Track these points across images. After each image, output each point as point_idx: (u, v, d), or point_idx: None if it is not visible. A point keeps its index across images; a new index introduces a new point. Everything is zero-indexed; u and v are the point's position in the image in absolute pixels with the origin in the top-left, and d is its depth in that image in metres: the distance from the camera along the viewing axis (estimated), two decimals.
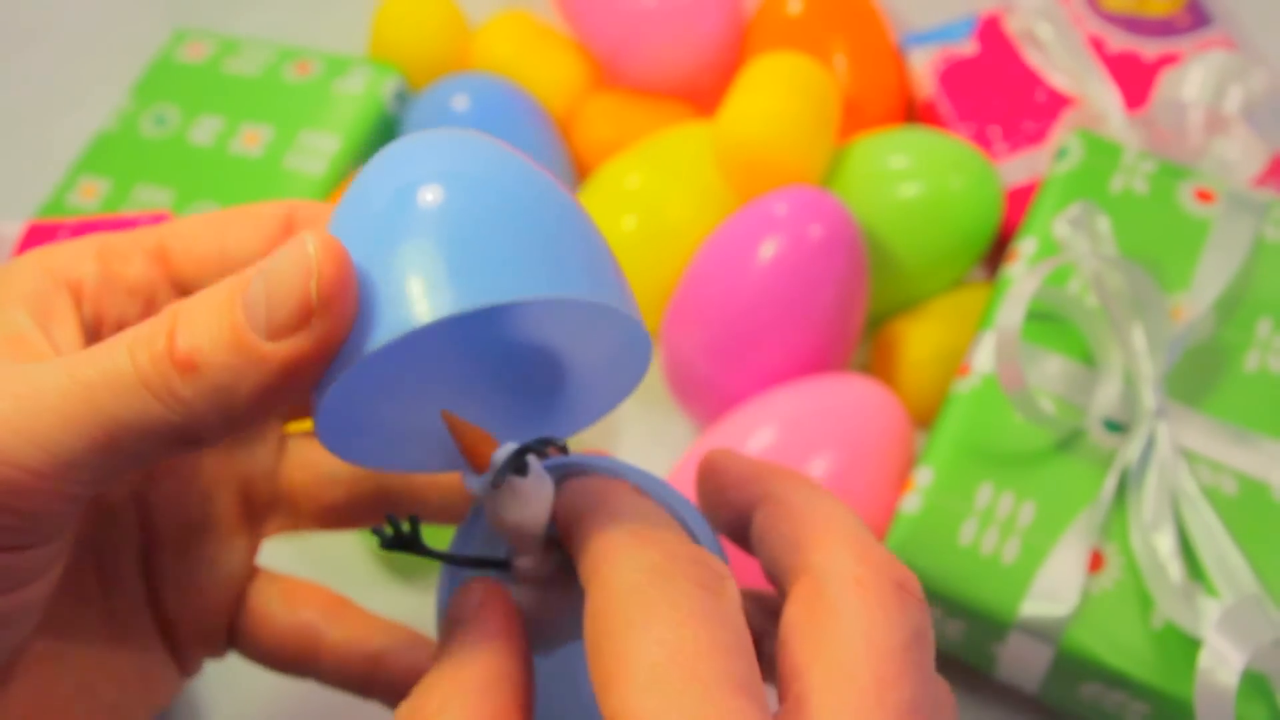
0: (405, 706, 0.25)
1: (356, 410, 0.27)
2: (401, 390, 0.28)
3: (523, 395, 0.30)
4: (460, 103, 0.60)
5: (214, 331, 0.23)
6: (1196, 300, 0.48)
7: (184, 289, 0.29)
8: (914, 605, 0.24)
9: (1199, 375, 0.47)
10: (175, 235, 0.29)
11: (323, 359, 0.23)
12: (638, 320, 0.26)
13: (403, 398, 0.28)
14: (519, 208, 0.25)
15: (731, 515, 0.29)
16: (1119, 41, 0.63)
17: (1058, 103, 0.61)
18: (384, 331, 0.23)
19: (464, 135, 0.27)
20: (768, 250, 0.50)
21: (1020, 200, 0.57)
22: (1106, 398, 0.46)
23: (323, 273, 0.23)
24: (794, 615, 0.25)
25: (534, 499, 0.27)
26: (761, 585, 0.32)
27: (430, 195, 0.24)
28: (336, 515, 0.35)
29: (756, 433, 0.49)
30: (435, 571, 0.53)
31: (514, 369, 0.30)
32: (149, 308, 0.29)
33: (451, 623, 0.26)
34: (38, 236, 0.52)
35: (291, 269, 0.23)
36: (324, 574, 0.54)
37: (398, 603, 0.52)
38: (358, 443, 0.27)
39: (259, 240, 0.29)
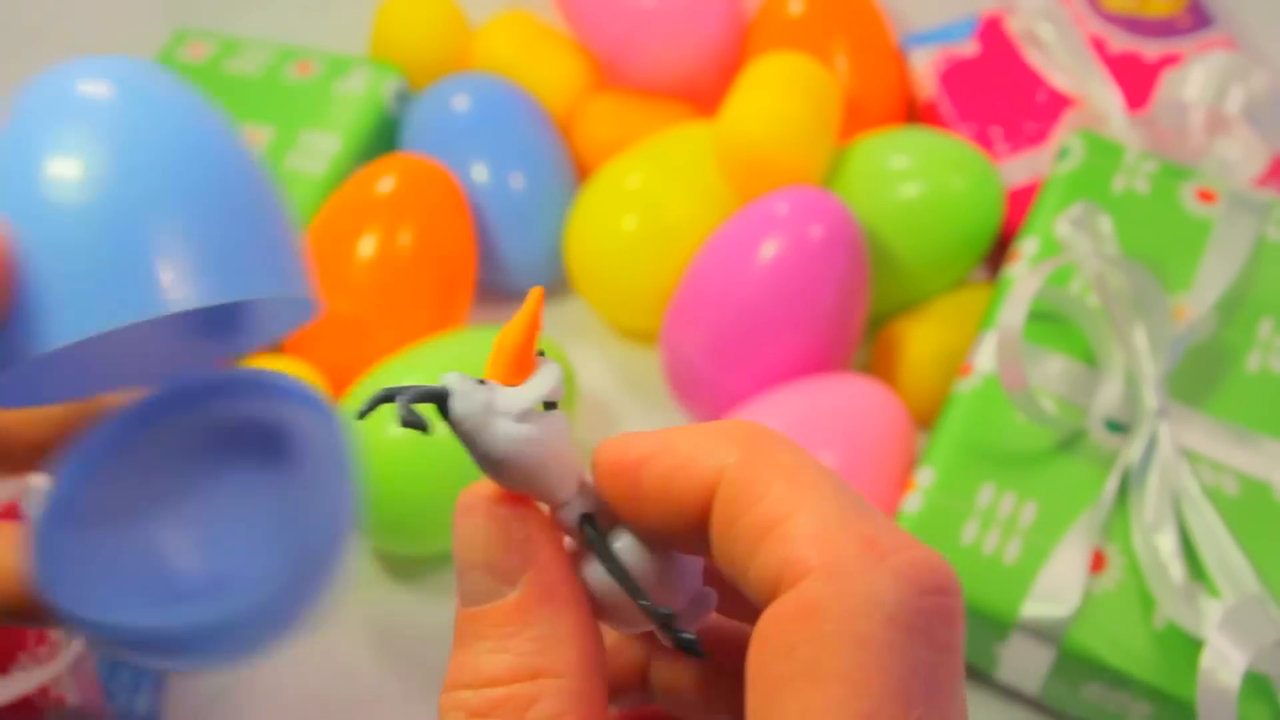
0: (465, 690, 0.21)
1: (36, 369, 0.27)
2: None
3: (200, 324, 0.30)
4: (461, 103, 0.60)
5: None
6: (1198, 300, 0.48)
7: None
8: (940, 627, 0.18)
9: (1200, 375, 0.47)
10: None
11: None
12: (294, 290, 0.25)
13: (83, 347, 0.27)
14: (181, 196, 0.24)
15: (672, 513, 0.21)
16: (1120, 42, 0.63)
17: (1059, 103, 0.61)
18: (54, 336, 0.23)
19: (117, 93, 0.25)
20: (769, 250, 0.50)
21: (1022, 200, 0.57)
22: (1108, 398, 0.46)
23: None
24: (777, 634, 0.18)
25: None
26: None
27: (75, 182, 0.23)
28: (51, 452, 0.33)
29: None
30: (434, 572, 0.53)
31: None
32: None
33: (492, 564, 0.21)
34: None
35: None
36: None
37: (397, 603, 0.52)
38: (45, 387, 0.27)
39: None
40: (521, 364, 0.21)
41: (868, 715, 0.17)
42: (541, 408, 0.21)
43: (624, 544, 0.22)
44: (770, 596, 0.19)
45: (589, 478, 0.22)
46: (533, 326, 0.21)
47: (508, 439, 0.21)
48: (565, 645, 0.20)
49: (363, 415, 0.21)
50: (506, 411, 0.21)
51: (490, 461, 0.21)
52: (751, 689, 0.18)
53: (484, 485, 0.22)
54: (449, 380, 0.21)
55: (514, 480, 0.21)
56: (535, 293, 0.21)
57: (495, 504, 0.21)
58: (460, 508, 0.22)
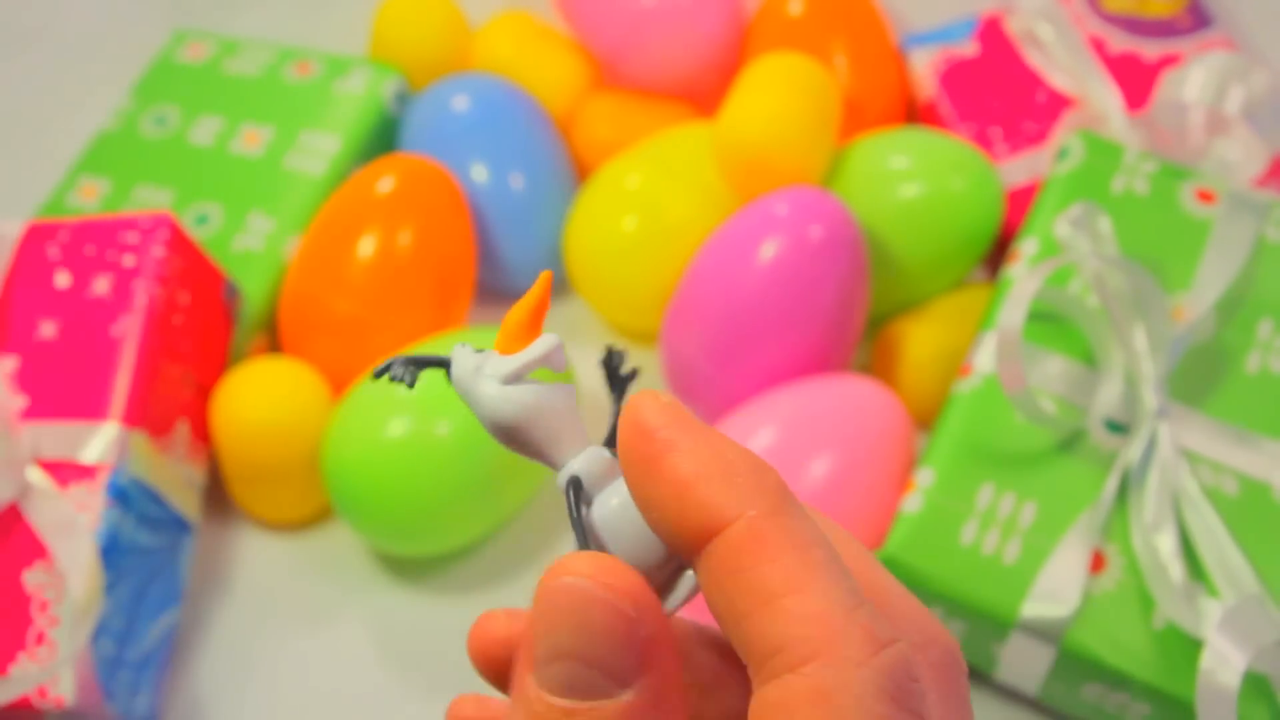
0: None
1: None
2: None
3: None
4: (460, 103, 0.60)
5: None
6: (1198, 301, 0.48)
7: None
8: (948, 696, 0.20)
9: (1200, 376, 0.47)
10: None
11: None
12: None
13: None
14: None
15: (671, 513, 0.20)
16: (1120, 42, 0.63)
17: (1059, 103, 0.61)
18: None
19: None
20: (768, 251, 0.50)
21: (1021, 201, 0.57)
22: (1108, 398, 0.46)
23: None
24: (787, 715, 0.18)
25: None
26: None
27: None
28: None
29: (757, 433, 0.49)
30: (434, 572, 0.53)
31: None
32: None
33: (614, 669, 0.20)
34: (37, 236, 0.52)
35: None
36: (321, 575, 0.54)
37: (396, 603, 0.52)
38: None
39: None
40: (521, 337, 0.22)
41: None
42: (547, 376, 0.22)
43: (616, 503, 0.22)
44: (761, 660, 0.19)
45: (595, 447, 0.23)
46: (539, 305, 0.22)
47: (490, 399, 0.22)
48: None
49: (378, 375, 0.23)
50: (493, 375, 0.22)
51: (484, 422, 0.22)
52: None
53: (591, 557, 0.20)
54: (454, 350, 0.23)
55: (509, 440, 0.22)
56: (545, 275, 0.22)
57: (619, 594, 0.20)
58: (577, 588, 0.20)
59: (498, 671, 0.24)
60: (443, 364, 0.23)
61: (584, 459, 0.22)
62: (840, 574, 0.19)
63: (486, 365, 0.22)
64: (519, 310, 0.22)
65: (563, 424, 0.22)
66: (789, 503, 0.20)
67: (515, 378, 0.22)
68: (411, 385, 0.23)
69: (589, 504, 0.22)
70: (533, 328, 0.22)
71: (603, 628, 0.19)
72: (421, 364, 0.23)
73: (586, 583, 0.20)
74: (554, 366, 0.22)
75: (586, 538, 0.22)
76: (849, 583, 0.19)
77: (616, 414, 0.23)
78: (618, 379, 0.24)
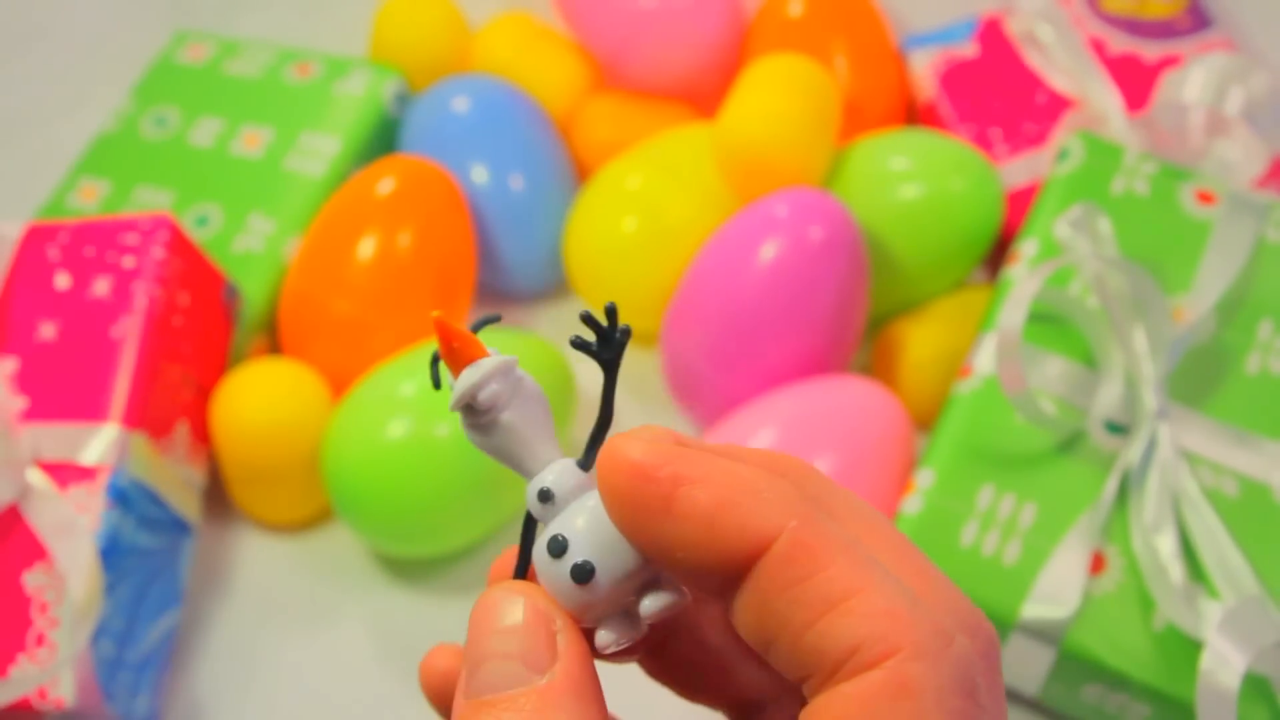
0: None
1: None
2: None
3: None
4: (460, 104, 0.60)
5: None
6: (1198, 302, 0.48)
7: None
8: (995, 686, 0.20)
9: (1200, 377, 0.47)
10: None
11: None
12: None
13: None
14: None
15: (703, 548, 0.20)
16: (1120, 43, 0.63)
17: (1059, 104, 0.61)
18: None
19: None
20: (768, 252, 0.50)
21: (1021, 202, 0.57)
22: (1108, 399, 0.46)
23: None
24: (871, 709, 0.19)
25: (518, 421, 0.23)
26: None
27: None
28: None
29: (757, 434, 0.49)
30: (434, 572, 0.53)
31: None
32: None
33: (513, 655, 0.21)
34: (37, 237, 0.52)
35: None
36: (321, 576, 0.54)
37: (395, 604, 0.52)
38: None
39: None
40: (454, 366, 0.23)
41: None
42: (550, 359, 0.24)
43: (581, 523, 0.22)
44: (834, 664, 0.19)
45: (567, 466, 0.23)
46: (443, 343, 0.22)
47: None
48: None
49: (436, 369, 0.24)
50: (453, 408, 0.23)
51: None
52: None
53: (514, 582, 0.22)
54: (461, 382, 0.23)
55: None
56: (433, 318, 0.23)
57: (525, 592, 0.22)
58: (492, 599, 0.22)
59: (446, 703, 0.26)
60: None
61: (552, 478, 0.22)
62: (884, 570, 0.20)
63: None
64: (441, 343, 0.23)
65: (523, 442, 0.23)
66: (814, 507, 0.20)
67: (466, 412, 0.23)
68: (437, 385, 0.24)
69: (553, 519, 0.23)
70: (458, 356, 0.22)
71: (511, 622, 0.21)
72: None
73: (495, 592, 0.22)
74: (480, 405, 0.22)
75: (525, 562, 0.23)
76: (894, 578, 0.20)
77: (610, 388, 0.23)
78: (609, 340, 0.23)
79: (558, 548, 0.22)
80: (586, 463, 0.23)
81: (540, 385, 0.24)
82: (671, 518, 0.20)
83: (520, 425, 0.23)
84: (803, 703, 0.22)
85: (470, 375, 0.22)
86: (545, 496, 0.22)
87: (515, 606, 0.21)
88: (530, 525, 0.23)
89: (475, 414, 0.23)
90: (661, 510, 0.20)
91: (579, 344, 0.22)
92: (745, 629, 0.20)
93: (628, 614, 0.22)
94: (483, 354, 0.23)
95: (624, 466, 0.20)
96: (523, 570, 0.23)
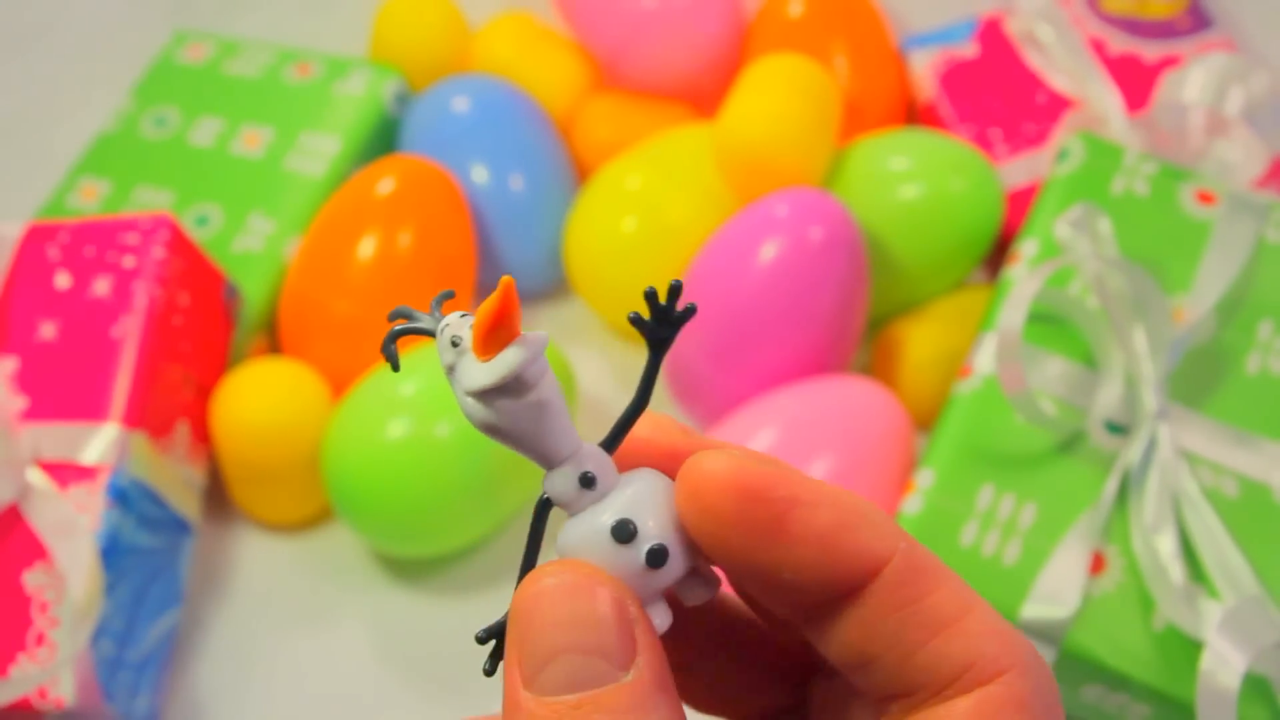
0: None
1: None
2: None
3: None
4: (460, 104, 0.60)
5: None
6: (1198, 302, 0.48)
7: None
8: None
9: (1200, 377, 0.47)
10: None
11: None
12: None
13: None
14: None
15: (820, 568, 0.20)
16: (1120, 43, 0.63)
17: (1059, 105, 0.61)
18: None
19: None
20: (768, 252, 0.50)
21: (1021, 202, 0.57)
22: (1108, 399, 0.46)
23: None
24: None
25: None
26: None
27: None
28: None
29: (758, 434, 0.49)
30: (434, 572, 0.53)
31: None
32: None
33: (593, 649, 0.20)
34: (37, 237, 0.52)
35: None
36: (321, 576, 0.54)
37: (395, 604, 0.52)
38: None
39: None
40: (489, 345, 0.20)
41: None
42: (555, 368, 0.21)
43: (649, 503, 0.21)
44: (943, 682, 0.20)
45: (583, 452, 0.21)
46: (501, 311, 0.20)
47: (462, 403, 0.21)
48: None
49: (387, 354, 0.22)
50: (466, 389, 0.20)
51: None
52: None
53: (579, 564, 0.20)
54: (446, 322, 0.21)
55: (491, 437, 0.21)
56: (505, 281, 0.20)
57: (600, 581, 0.20)
58: (561, 585, 0.20)
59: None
60: (427, 334, 0.21)
61: (593, 463, 0.21)
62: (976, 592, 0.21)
63: (459, 374, 0.21)
64: (483, 315, 0.20)
65: (542, 431, 0.21)
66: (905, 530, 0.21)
67: (487, 394, 0.20)
68: (395, 368, 0.22)
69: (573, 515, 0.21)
70: (499, 334, 0.20)
71: (594, 614, 0.20)
72: (407, 331, 0.22)
73: (567, 578, 0.20)
74: (525, 383, 0.20)
75: (534, 548, 0.22)
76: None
77: (653, 369, 0.21)
78: (667, 318, 0.21)
79: (625, 533, 0.20)
80: (611, 445, 0.22)
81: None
82: (784, 540, 0.20)
83: (553, 405, 0.21)
84: (836, 714, 0.24)
85: (522, 350, 0.20)
86: (588, 481, 0.21)
87: (593, 595, 0.20)
88: (544, 514, 0.22)
89: (513, 392, 0.20)
90: (773, 532, 0.20)
91: (636, 320, 0.21)
92: (840, 646, 0.20)
93: (664, 600, 0.21)
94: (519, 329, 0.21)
95: (730, 487, 0.20)
96: (531, 561, 0.22)
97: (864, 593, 0.20)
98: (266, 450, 0.52)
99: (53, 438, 0.47)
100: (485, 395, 0.20)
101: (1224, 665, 0.39)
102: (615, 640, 0.20)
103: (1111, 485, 0.44)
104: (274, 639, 0.52)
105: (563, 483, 0.21)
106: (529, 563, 0.22)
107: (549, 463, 0.21)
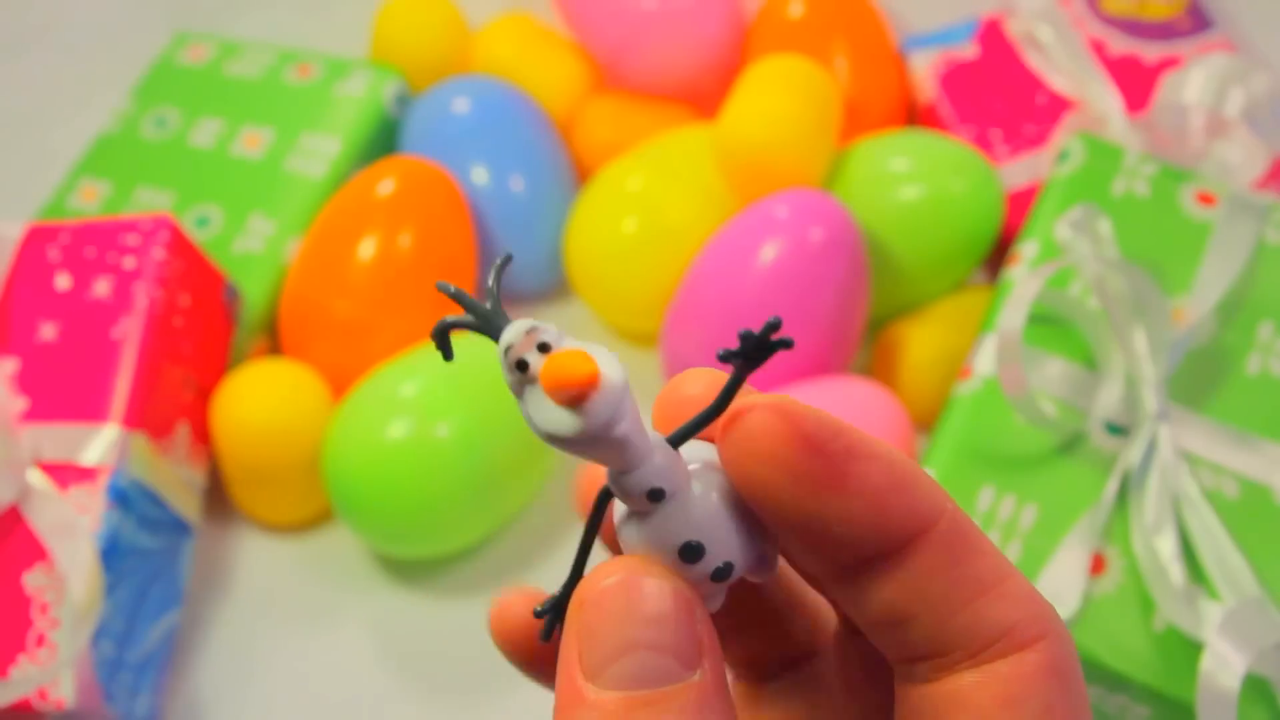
0: None
1: None
2: None
3: None
4: (461, 105, 0.60)
5: None
6: (1198, 303, 0.48)
7: None
8: None
9: (1200, 378, 0.47)
10: None
11: None
12: None
13: None
14: None
15: (870, 524, 0.20)
16: (1120, 44, 0.63)
17: (1059, 106, 0.61)
18: None
19: None
20: (769, 253, 0.50)
21: (1021, 203, 0.57)
22: (1108, 400, 0.46)
23: None
24: (1034, 690, 0.19)
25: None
26: None
27: None
28: None
29: None
30: (434, 572, 0.53)
31: None
32: None
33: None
34: (38, 238, 0.52)
35: None
36: (321, 577, 0.54)
37: (396, 605, 0.52)
38: None
39: None
40: (565, 396, 0.19)
41: None
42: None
43: (713, 518, 0.20)
44: (982, 644, 0.20)
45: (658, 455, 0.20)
46: (579, 372, 0.18)
47: (540, 434, 0.19)
48: None
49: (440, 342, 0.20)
50: (544, 431, 0.19)
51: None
52: None
53: (650, 562, 0.20)
54: (510, 341, 0.19)
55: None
56: (583, 357, 0.19)
57: (669, 579, 0.20)
58: (634, 581, 0.20)
59: (525, 651, 0.24)
60: (492, 337, 0.20)
61: (666, 478, 0.20)
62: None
63: (529, 397, 0.19)
64: (560, 372, 0.18)
65: (615, 456, 0.20)
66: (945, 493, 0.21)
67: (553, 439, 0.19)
68: (448, 358, 0.20)
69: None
70: (576, 392, 0.18)
71: (664, 612, 0.20)
72: (469, 326, 0.20)
73: (640, 575, 0.20)
74: (606, 429, 0.19)
75: (590, 545, 0.21)
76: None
77: (730, 391, 0.20)
78: (760, 350, 0.20)
79: (694, 555, 0.20)
80: (679, 442, 0.21)
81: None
82: (842, 493, 0.20)
83: (630, 436, 0.19)
84: (821, 673, 0.24)
85: (603, 406, 0.19)
86: (657, 496, 0.20)
87: (662, 593, 0.20)
88: (604, 506, 0.21)
89: (591, 438, 0.19)
90: (832, 484, 0.19)
91: (725, 355, 0.20)
92: (876, 604, 0.20)
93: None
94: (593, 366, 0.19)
95: (790, 436, 0.20)
96: (586, 550, 0.21)
97: (909, 551, 0.20)
98: (266, 451, 0.52)
99: (53, 439, 0.47)
100: (547, 439, 0.19)
101: (1224, 666, 0.39)
102: (685, 640, 0.20)
103: (1112, 486, 0.44)
104: (274, 639, 0.52)
105: (625, 493, 0.20)
106: (584, 552, 0.21)
107: (620, 470, 0.20)
